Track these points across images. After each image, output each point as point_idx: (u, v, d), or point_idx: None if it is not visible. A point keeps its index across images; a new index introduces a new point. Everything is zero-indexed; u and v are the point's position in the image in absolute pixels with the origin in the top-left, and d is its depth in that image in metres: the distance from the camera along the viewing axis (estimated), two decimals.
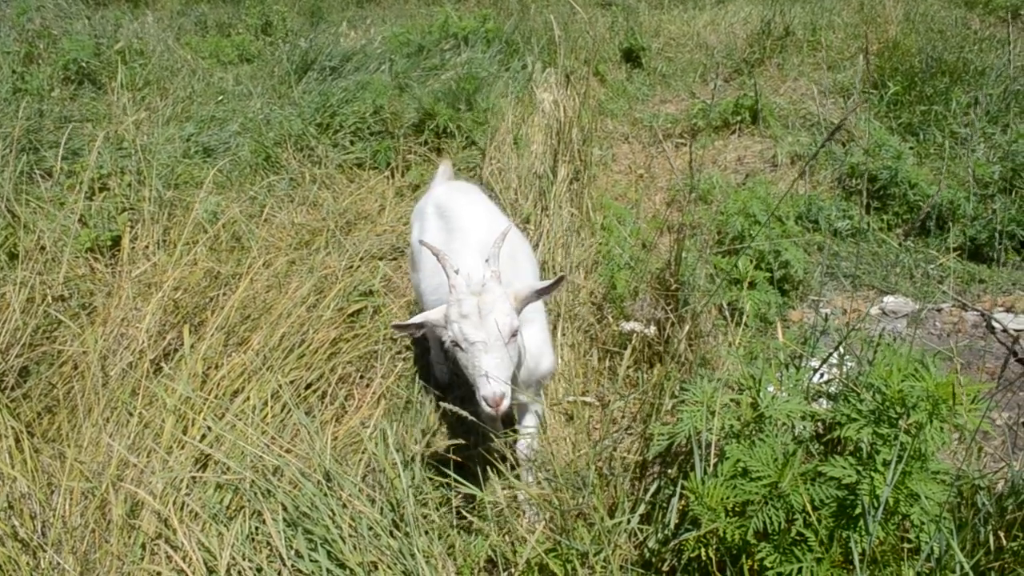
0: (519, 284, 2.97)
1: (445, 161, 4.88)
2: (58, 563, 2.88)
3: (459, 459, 3.45)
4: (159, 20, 10.78)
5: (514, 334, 2.77)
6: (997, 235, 5.13)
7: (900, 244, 5.45)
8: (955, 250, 5.22)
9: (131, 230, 4.87)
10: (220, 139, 6.69)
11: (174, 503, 3.03)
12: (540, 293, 2.90)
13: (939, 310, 4.83)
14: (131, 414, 3.51)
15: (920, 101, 6.84)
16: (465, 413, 2.76)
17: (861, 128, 6.53)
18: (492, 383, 2.65)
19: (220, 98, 7.63)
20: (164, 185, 5.42)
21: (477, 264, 2.92)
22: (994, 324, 4.61)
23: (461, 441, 3.50)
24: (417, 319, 2.89)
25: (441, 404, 2.94)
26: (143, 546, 2.96)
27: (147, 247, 4.86)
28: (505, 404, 2.67)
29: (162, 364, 3.91)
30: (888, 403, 2.23)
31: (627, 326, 3.57)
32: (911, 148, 6.15)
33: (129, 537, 2.99)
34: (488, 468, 3.22)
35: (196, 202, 5.06)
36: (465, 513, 3.15)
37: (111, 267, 4.81)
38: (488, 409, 2.66)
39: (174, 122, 6.86)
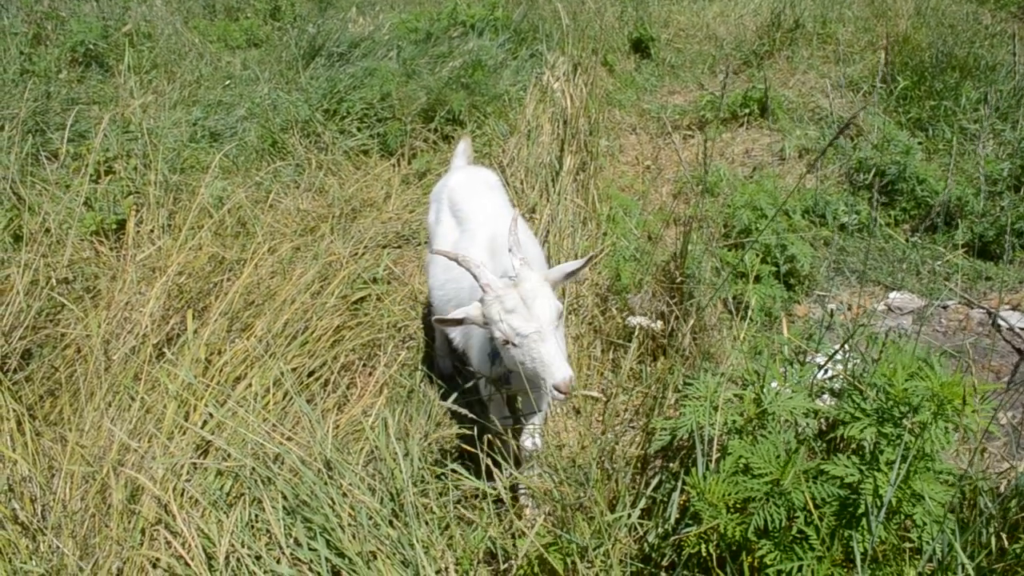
0: (547, 269, 2.89)
1: (465, 137, 4.85)
2: (57, 547, 2.88)
3: (464, 448, 3.44)
4: (167, 3, 10.73)
5: (560, 315, 2.67)
6: (1005, 233, 5.10)
7: (907, 240, 5.43)
8: (962, 247, 5.19)
9: (136, 214, 4.86)
10: (227, 124, 6.69)
11: (174, 489, 3.03)
12: (570, 275, 2.79)
13: (945, 307, 4.81)
14: (133, 399, 3.51)
15: (930, 96, 6.80)
16: (465, 411, 2.73)
17: (870, 123, 6.49)
18: (559, 368, 2.53)
19: (227, 82, 7.62)
20: (170, 169, 5.41)
21: (485, 259, 2.89)
22: (1000, 322, 4.59)
23: (464, 431, 3.49)
24: (458, 314, 2.77)
25: (443, 403, 2.90)
26: (143, 531, 2.96)
27: (152, 231, 4.85)
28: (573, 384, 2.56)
29: (165, 349, 3.90)
30: (892, 402, 2.21)
31: (634, 321, 3.55)
32: (920, 143, 6.11)
33: (129, 522, 2.99)
34: (490, 460, 3.21)
35: (202, 187, 5.04)
36: (465, 505, 3.14)
37: (116, 251, 4.81)
38: (559, 396, 2.53)
39: (181, 106, 6.86)
